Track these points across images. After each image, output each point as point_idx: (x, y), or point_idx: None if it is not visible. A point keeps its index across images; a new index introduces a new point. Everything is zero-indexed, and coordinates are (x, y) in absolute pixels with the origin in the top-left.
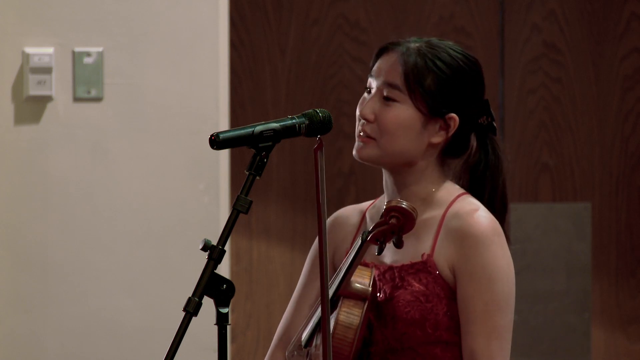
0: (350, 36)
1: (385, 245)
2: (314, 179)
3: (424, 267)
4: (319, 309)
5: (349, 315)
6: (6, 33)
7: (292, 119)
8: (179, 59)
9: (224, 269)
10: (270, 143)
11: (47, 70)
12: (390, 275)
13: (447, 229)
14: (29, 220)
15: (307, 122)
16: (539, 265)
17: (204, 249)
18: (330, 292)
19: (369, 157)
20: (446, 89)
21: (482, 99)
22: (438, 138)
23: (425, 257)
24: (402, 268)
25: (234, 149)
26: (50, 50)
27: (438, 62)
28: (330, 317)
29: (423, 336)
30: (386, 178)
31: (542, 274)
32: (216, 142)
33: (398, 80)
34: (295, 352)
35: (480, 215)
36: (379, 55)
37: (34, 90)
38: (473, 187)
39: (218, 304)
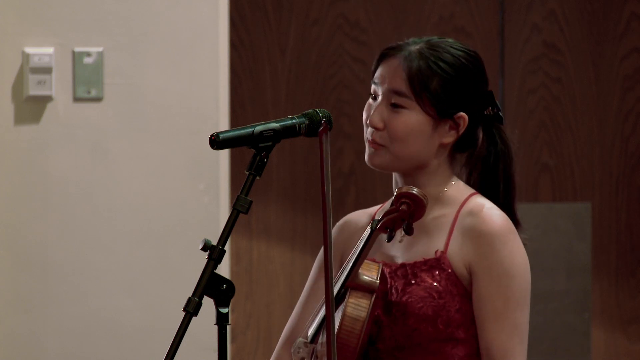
0: (350, 36)
1: (394, 234)
2: (319, 166)
3: (437, 264)
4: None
5: (357, 307)
6: (6, 33)
7: (292, 119)
8: (179, 59)
9: (224, 269)
10: (270, 143)
11: (47, 70)
12: (402, 273)
13: (461, 226)
14: (29, 220)
15: (307, 122)
16: (539, 265)
17: (204, 249)
18: (338, 284)
19: (381, 164)
20: (452, 89)
21: (486, 91)
22: (449, 138)
23: (438, 253)
24: (415, 265)
25: (234, 149)
26: (50, 50)
27: (441, 64)
28: (338, 309)
29: (434, 333)
30: (396, 180)
31: (542, 274)
32: (216, 142)
33: (403, 86)
34: (301, 349)
35: (493, 213)
36: (380, 60)
37: (34, 90)
38: (487, 179)
39: (218, 304)
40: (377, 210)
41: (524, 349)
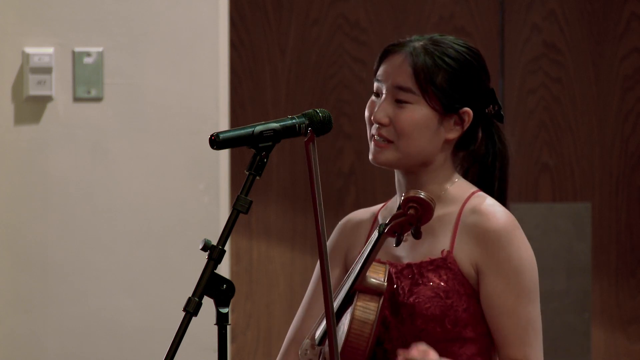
0: (350, 36)
1: (402, 237)
2: (308, 175)
3: (444, 264)
4: (334, 307)
5: (365, 310)
6: (6, 33)
7: (292, 119)
8: (179, 59)
9: (224, 269)
10: (270, 143)
11: (47, 70)
12: (408, 273)
13: (465, 225)
14: (29, 220)
15: (307, 122)
16: (539, 265)
17: (204, 249)
18: (346, 287)
19: (387, 160)
20: (457, 84)
21: (488, 88)
22: (454, 133)
23: (444, 253)
24: (421, 265)
25: (234, 149)
26: (50, 50)
27: (446, 59)
28: (346, 312)
29: (442, 332)
30: (399, 178)
31: (542, 274)
32: (216, 142)
33: (409, 81)
34: (308, 351)
35: (497, 210)
36: (382, 58)
37: (34, 90)
38: (483, 177)
39: (218, 304)
40: (380, 209)
41: (540, 341)
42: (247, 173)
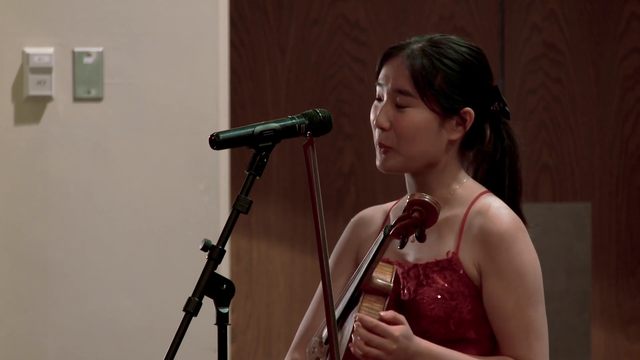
0: (350, 36)
1: (407, 240)
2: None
3: (449, 265)
4: (340, 305)
5: (371, 310)
6: (6, 33)
7: (292, 119)
8: (179, 59)
9: (224, 269)
10: (270, 143)
11: (47, 70)
12: (414, 273)
13: (470, 227)
14: (29, 220)
15: (307, 122)
16: None
17: (204, 249)
18: (353, 286)
19: (393, 167)
20: (456, 85)
21: (491, 87)
22: (456, 134)
23: (450, 255)
24: (427, 266)
25: (234, 149)
26: (50, 50)
27: (445, 60)
28: (352, 312)
29: (446, 333)
30: (409, 180)
31: (542, 274)
32: (216, 142)
33: (407, 85)
34: (316, 349)
35: (502, 213)
36: (383, 61)
37: (34, 90)
38: (492, 176)
39: (218, 304)
40: (391, 207)
41: (543, 345)
42: (247, 173)
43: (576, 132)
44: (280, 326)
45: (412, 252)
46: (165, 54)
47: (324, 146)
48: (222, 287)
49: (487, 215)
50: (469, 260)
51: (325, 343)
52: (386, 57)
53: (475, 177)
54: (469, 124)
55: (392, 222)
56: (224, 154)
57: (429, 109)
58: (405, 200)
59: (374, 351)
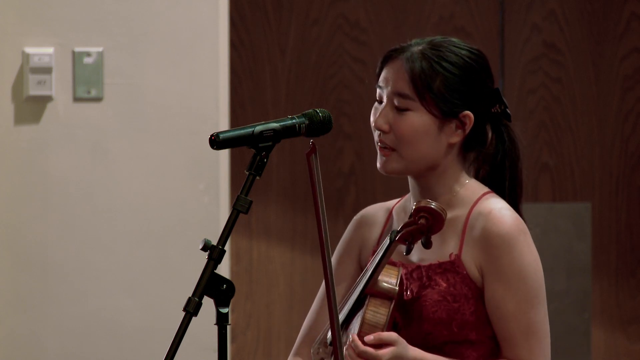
0: (350, 36)
1: (413, 246)
2: (310, 186)
3: (451, 267)
4: (345, 308)
5: (376, 314)
6: (6, 33)
7: (292, 119)
8: (179, 59)
9: (224, 269)
10: (270, 143)
11: (47, 70)
12: (417, 275)
13: (472, 229)
14: (29, 220)
15: (307, 122)
16: None
17: (204, 249)
18: (358, 290)
19: (394, 170)
20: (455, 88)
21: (492, 89)
22: (456, 137)
23: (453, 257)
24: (430, 267)
25: (234, 149)
26: (50, 50)
27: (444, 63)
28: (357, 315)
29: (449, 335)
30: (411, 182)
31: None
32: (216, 142)
33: (406, 88)
34: (320, 349)
35: (503, 214)
36: (383, 63)
37: (34, 90)
38: (493, 177)
39: (218, 304)
40: (394, 205)
41: (544, 347)
42: (247, 173)
43: (576, 132)
44: (280, 326)
45: (416, 252)
46: (165, 54)
47: (324, 146)
48: (222, 287)
49: (489, 217)
50: (471, 261)
51: (330, 344)
52: (386, 60)
53: (476, 179)
54: (468, 128)
55: (397, 225)
56: (224, 154)
57: (428, 112)
58: (408, 200)
59: None
